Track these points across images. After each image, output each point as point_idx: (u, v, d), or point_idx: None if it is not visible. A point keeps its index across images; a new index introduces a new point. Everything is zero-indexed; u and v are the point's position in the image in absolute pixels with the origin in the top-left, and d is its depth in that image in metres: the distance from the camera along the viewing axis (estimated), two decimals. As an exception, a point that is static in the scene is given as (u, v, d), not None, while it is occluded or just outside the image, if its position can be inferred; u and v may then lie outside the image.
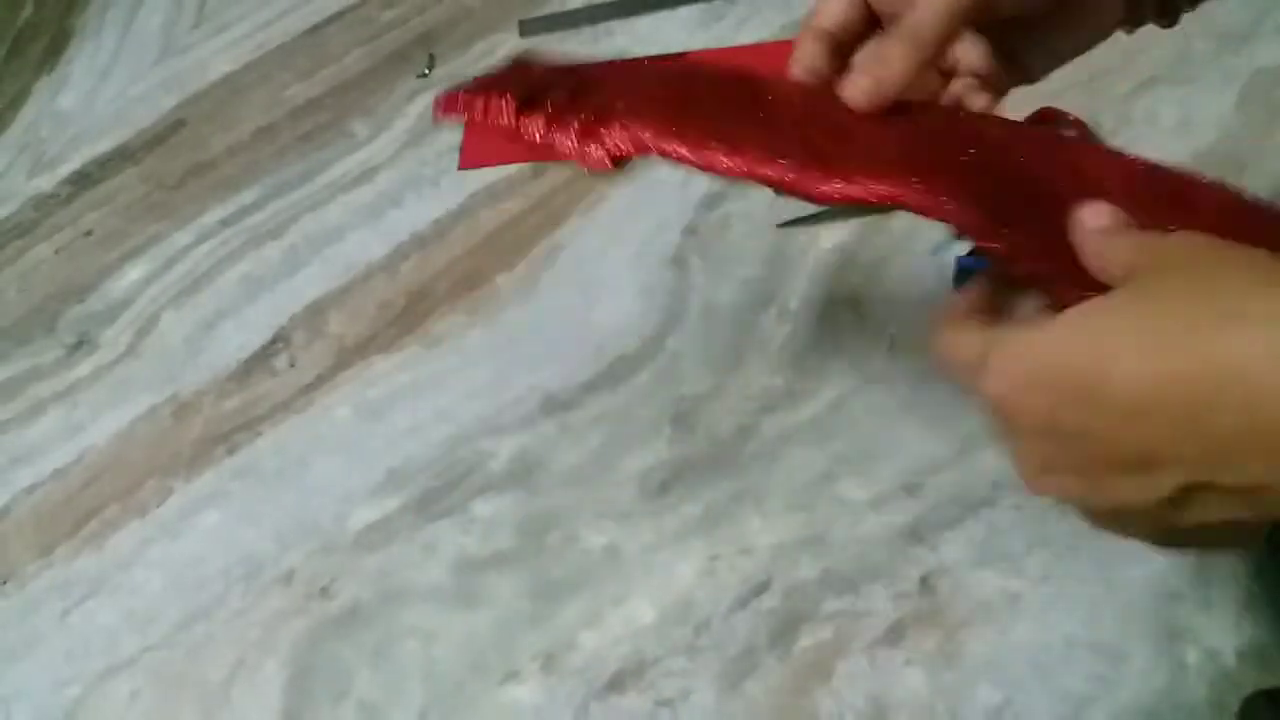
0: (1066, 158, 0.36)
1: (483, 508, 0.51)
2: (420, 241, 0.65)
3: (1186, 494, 0.26)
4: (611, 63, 0.38)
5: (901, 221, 0.58)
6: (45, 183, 0.75)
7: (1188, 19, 0.39)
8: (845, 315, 0.55)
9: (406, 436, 0.55)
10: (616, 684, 0.45)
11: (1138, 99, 0.58)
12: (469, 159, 0.70)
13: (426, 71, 0.77)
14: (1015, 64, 0.41)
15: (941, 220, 0.34)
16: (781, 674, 0.44)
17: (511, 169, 0.68)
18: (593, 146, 0.36)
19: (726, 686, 0.44)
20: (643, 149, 0.36)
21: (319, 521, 0.52)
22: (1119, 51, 0.41)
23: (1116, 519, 0.29)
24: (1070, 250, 0.32)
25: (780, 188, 0.35)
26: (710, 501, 0.50)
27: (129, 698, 0.48)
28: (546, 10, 0.79)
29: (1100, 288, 0.30)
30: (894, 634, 0.44)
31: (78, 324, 0.65)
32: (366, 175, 0.70)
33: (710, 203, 0.63)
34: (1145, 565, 0.43)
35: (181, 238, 0.69)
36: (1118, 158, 0.37)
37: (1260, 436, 0.24)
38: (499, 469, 0.53)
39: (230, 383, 0.60)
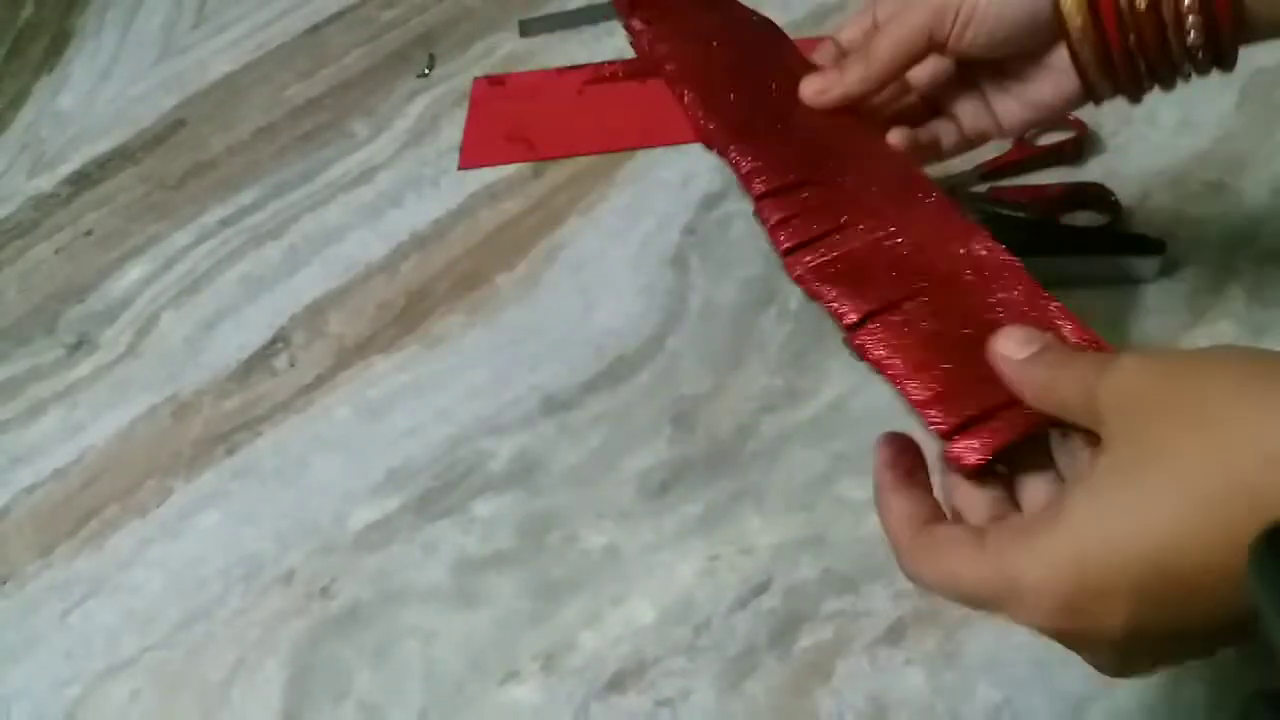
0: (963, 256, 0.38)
1: (483, 508, 0.51)
2: (420, 241, 0.65)
3: None
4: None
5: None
6: (45, 183, 0.75)
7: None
8: (845, 315, 0.55)
9: (406, 436, 0.55)
10: (617, 684, 0.45)
11: (1138, 99, 0.58)
12: (468, 159, 0.70)
13: (427, 71, 0.77)
14: (989, 110, 0.43)
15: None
16: (781, 674, 0.44)
17: (511, 169, 0.68)
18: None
19: (727, 686, 0.44)
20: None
21: (319, 521, 0.52)
22: (1119, 51, 0.40)
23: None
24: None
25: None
26: (710, 501, 0.50)
27: (129, 697, 0.48)
28: (546, 10, 0.79)
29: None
30: (894, 634, 0.44)
31: (78, 324, 0.65)
32: (366, 175, 0.70)
33: (710, 203, 0.63)
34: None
35: (181, 238, 0.69)
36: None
37: None
38: (499, 469, 0.53)
39: (230, 383, 0.60)
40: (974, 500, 0.31)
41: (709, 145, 0.42)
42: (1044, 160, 0.60)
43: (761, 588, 0.47)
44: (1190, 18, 0.35)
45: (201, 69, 0.82)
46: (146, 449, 0.57)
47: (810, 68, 0.45)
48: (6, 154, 0.78)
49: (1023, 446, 0.31)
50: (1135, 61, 0.38)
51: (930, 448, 0.33)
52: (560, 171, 0.67)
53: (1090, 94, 0.40)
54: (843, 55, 0.44)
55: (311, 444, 0.56)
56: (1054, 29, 0.38)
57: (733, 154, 0.41)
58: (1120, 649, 0.26)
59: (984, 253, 0.37)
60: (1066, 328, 0.34)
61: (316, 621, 0.49)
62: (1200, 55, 0.37)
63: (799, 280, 0.37)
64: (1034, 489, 0.31)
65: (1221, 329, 0.52)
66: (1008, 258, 0.37)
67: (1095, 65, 0.38)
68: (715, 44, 0.46)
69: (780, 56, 0.46)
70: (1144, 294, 0.54)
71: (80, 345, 0.64)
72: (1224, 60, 0.38)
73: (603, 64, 0.74)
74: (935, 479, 0.33)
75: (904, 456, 0.33)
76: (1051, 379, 0.29)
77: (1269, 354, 0.26)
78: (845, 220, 0.39)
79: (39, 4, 0.93)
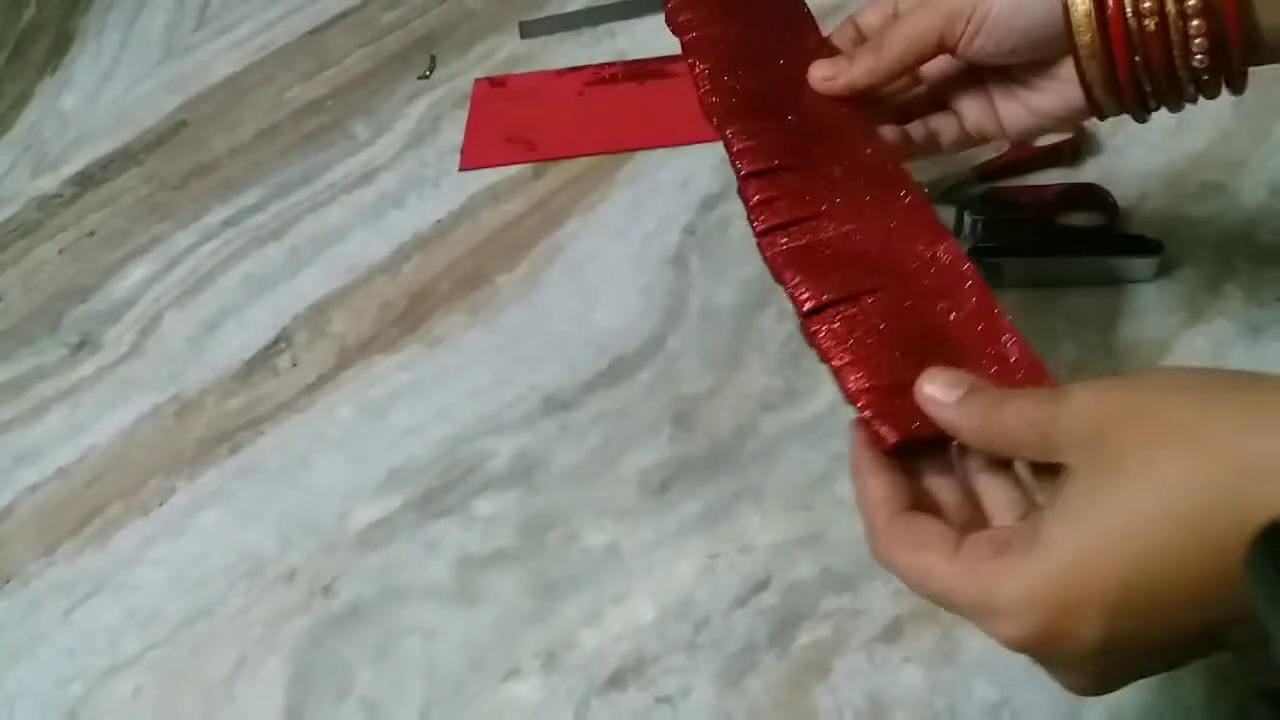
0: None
1: (484, 506, 0.52)
2: (421, 242, 0.65)
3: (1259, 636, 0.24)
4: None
5: (900, 222, 0.58)
6: (48, 183, 0.76)
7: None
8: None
9: (408, 435, 0.55)
10: (617, 681, 0.45)
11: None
12: (469, 160, 0.70)
13: (428, 73, 0.77)
14: (993, 112, 0.44)
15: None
16: (780, 671, 0.44)
17: (512, 170, 0.68)
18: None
19: (726, 684, 0.44)
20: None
21: (321, 520, 0.52)
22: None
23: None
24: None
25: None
26: (710, 500, 0.50)
27: (132, 695, 0.48)
28: (547, 12, 0.80)
29: None
30: (892, 632, 0.44)
31: (81, 324, 0.65)
32: (368, 176, 0.70)
33: (710, 203, 0.63)
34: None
35: (184, 238, 0.69)
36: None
37: None
38: (500, 468, 0.53)
39: (233, 382, 0.60)
40: (997, 495, 0.32)
41: (708, 118, 0.43)
42: (1042, 160, 0.60)
43: (761, 586, 0.47)
44: (1197, 40, 0.35)
45: (204, 70, 0.82)
46: (149, 448, 0.58)
47: (827, 48, 0.45)
48: (10, 155, 0.79)
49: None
50: (1141, 82, 0.38)
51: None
52: (561, 172, 0.68)
53: (1094, 109, 0.40)
54: (860, 38, 0.44)
55: (314, 443, 0.56)
56: (1064, 43, 0.38)
57: (728, 132, 0.42)
58: (1092, 667, 0.27)
59: (947, 260, 0.38)
60: (1011, 343, 0.35)
61: (318, 619, 0.49)
62: (1207, 78, 0.37)
63: (769, 261, 0.38)
64: (995, 491, 0.32)
65: (1219, 328, 0.52)
66: (968, 267, 0.37)
67: (1101, 83, 0.38)
68: (739, 17, 0.46)
69: (800, 35, 0.46)
70: (1141, 294, 0.54)
71: (83, 345, 0.64)
72: (1233, 82, 0.38)
73: (603, 65, 0.74)
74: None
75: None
76: (989, 422, 0.30)
77: (1214, 371, 0.27)
78: (824, 209, 0.39)
79: (41, 5, 0.93)
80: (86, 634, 0.50)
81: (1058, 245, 0.55)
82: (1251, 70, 0.38)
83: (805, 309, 0.37)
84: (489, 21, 0.80)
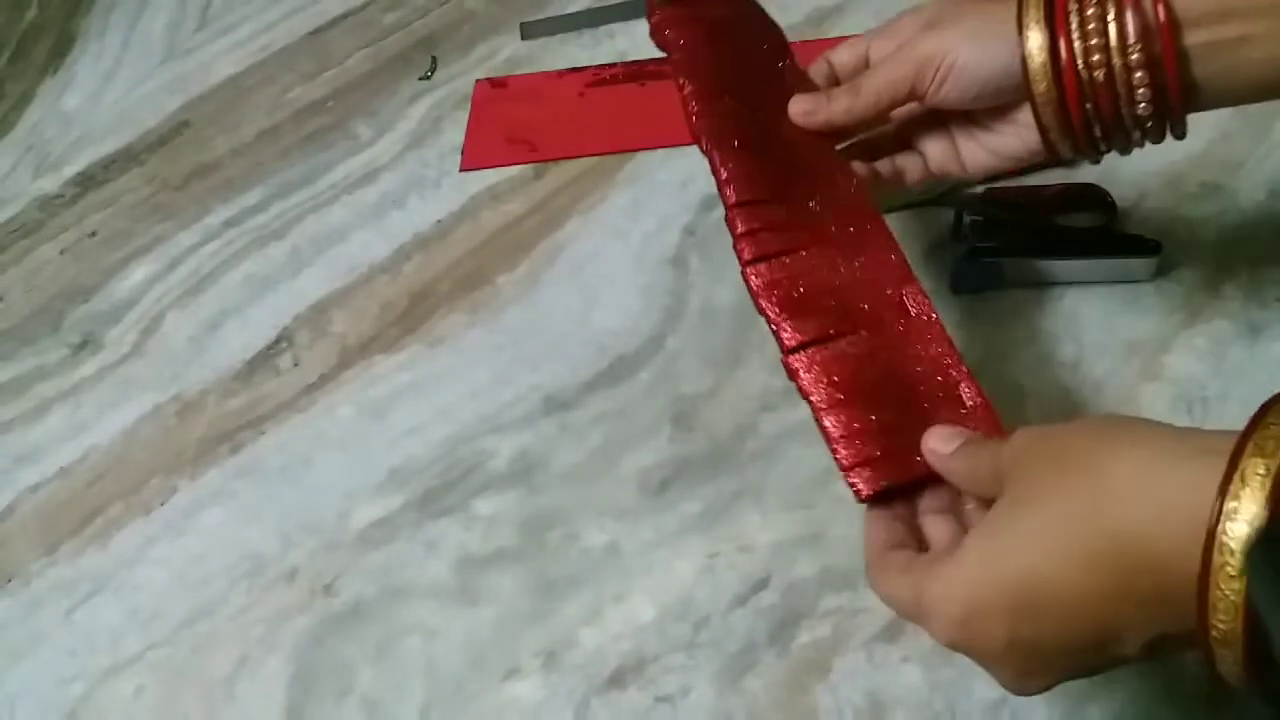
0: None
1: (484, 506, 0.52)
2: (422, 242, 0.65)
3: (1154, 645, 0.29)
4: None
5: (897, 221, 0.59)
6: (50, 184, 0.76)
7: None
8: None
9: (409, 435, 0.55)
10: (617, 680, 0.45)
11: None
12: (470, 160, 0.70)
13: (429, 74, 0.77)
14: (955, 152, 0.47)
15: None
16: (780, 670, 0.44)
17: (512, 170, 0.69)
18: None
19: (726, 683, 0.44)
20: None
21: (322, 519, 0.53)
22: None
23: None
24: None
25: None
26: (710, 500, 0.50)
27: (133, 694, 0.48)
28: (548, 13, 0.80)
29: None
30: (891, 631, 0.45)
31: (82, 324, 0.66)
32: (369, 177, 0.71)
33: (710, 203, 0.63)
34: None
35: (186, 238, 0.69)
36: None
37: (1174, 588, 0.27)
38: (500, 468, 0.53)
39: (234, 382, 0.60)
40: (938, 530, 0.37)
41: (696, 139, 0.45)
42: (1041, 161, 0.60)
43: (760, 585, 0.47)
44: (1141, 90, 0.39)
45: (205, 71, 0.82)
46: (151, 448, 0.58)
47: (805, 83, 0.47)
48: (11, 155, 0.79)
49: (927, 493, 0.38)
50: (1092, 127, 0.41)
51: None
52: (561, 173, 0.68)
53: (1050, 151, 0.43)
54: (833, 75, 0.48)
55: (315, 443, 0.56)
56: (1022, 91, 0.41)
57: (715, 158, 0.43)
58: (1012, 665, 0.32)
59: (913, 308, 0.41)
60: (967, 391, 0.39)
61: (319, 619, 0.49)
62: (1150, 124, 0.40)
63: (753, 291, 0.41)
64: (938, 527, 0.37)
65: (1218, 328, 0.52)
66: (931, 316, 0.41)
67: (1056, 127, 0.42)
68: (727, 41, 0.48)
69: (779, 66, 0.48)
70: (1140, 294, 0.54)
71: (85, 345, 0.64)
72: (1175, 128, 0.41)
73: (603, 66, 0.74)
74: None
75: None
76: (970, 467, 0.36)
77: (1125, 418, 0.31)
78: (804, 243, 0.42)
79: (43, 6, 0.93)
80: (88, 633, 0.51)
81: (1056, 246, 0.55)
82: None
83: (788, 346, 0.39)
84: (490, 23, 0.80)
